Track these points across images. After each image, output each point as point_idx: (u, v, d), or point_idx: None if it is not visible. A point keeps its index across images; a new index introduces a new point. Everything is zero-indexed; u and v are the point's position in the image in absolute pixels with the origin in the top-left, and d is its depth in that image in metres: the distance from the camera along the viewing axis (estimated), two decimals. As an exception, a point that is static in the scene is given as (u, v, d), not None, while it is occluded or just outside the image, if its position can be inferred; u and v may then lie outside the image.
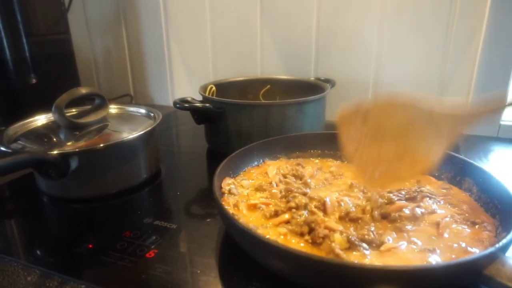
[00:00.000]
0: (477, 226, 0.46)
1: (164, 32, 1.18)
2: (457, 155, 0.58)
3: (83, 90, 0.64)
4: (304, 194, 0.53)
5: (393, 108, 0.46)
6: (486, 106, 0.41)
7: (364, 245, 0.42)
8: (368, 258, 0.41)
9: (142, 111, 0.74)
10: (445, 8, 0.87)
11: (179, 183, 0.70)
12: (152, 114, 0.72)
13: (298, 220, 0.47)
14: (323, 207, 0.50)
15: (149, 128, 0.64)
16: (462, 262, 0.36)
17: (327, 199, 0.51)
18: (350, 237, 0.42)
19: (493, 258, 0.36)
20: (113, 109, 0.75)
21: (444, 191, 0.55)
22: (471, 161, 0.56)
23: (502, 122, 0.90)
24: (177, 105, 0.72)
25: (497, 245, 0.37)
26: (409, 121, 0.45)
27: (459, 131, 0.43)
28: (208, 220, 0.57)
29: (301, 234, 0.45)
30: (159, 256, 0.47)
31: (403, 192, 0.53)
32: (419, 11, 0.90)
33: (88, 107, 0.70)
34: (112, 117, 0.72)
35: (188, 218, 0.58)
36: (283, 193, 0.54)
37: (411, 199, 0.52)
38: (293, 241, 0.44)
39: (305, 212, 0.49)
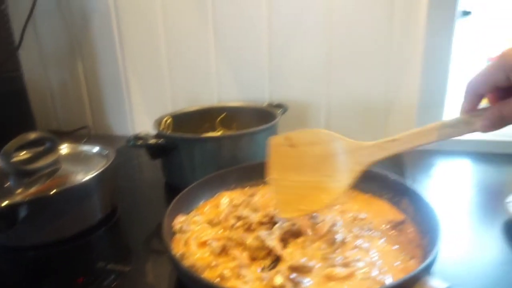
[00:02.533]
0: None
1: (121, 63, 1.19)
2: (394, 177, 0.63)
3: (32, 136, 0.64)
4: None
5: (316, 139, 0.53)
6: (391, 148, 0.48)
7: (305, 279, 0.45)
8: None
9: (95, 149, 0.75)
10: (386, 34, 0.94)
11: (136, 220, 0.71)
12: (106, 152, 0.73)
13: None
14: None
15: (101, 170, 0.65)
16: (388, 286, 0.39)
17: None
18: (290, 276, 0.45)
19: (415, 279, 0.40)
20: (64, 149, 0.75)
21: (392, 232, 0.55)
22: (405, 183, 0.61)
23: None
24: (131, 143, 0.73)
25: (419, 268, 0.41)
26: (327, 154, 0.52)
27: (362, 168, 0.50)
28: (162, 261, 0.57)
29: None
30: (112, 302, 0.48)
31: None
32: (363, 37, 0.96)
33: (40, 148, 0.69)
34: (64, 158, 0.72)
35: (143, 258, 0.59)
36: (236, 224, 0.57)
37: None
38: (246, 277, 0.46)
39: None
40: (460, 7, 0.86)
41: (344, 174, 0.51)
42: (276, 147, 0.56)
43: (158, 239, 0.62)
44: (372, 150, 0.49)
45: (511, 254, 0.56)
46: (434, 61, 0.91)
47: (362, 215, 0.58)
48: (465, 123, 0.43)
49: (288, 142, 0.55)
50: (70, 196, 0.61)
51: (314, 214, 0.56)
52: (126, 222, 0.70)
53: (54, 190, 0.59)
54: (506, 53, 0.38)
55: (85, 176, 0.63)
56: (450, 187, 0.80)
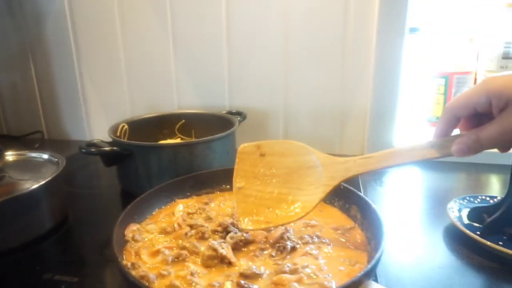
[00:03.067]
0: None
1: (77, 68, 1.16)
2: (345, 185, 0.65)
3: (-26, 142, 0.61)
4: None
5: (288, 149, 0.52)
6: (365, 165, 0.48)
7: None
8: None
9: (45, 156, 0.72)
10: (340, 48, 0.97)
11: (89, 229, 0.69)
12: (55, 160, 0.70)
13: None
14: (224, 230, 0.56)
15: (50, 178, 0.63)
16: (330, 292, 0.41)
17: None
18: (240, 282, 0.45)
19: (357, 284, 0.42)
20: (11, 156, 0.72)
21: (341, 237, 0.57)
22: (355, 190, 0.63)
23: (395, 145, 1.02)
24: (83, 151, 0.71)
25: (361, 272, 0.43)
26: (298, 165, 0.51)
27: (336, 183, 0.49)
28: (114, 271, 0.56)
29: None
30: (56, 315, 0.47)
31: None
32: (318, 48, 0.99)
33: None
34: (12, 166, 0.69)
35: (93, 268, 0.58)
36: (189, 233, 0.57)
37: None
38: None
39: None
40: (409, 24, 0.92)
41: (316, 188, 0.50)
42: (246, 154, 0.54)
43: (107, 255, 0.61)
44: (347, 166, 0.49)
45: (451, 257, 0.59)
46: (385, 73, 0.95)
47: (313, 222, 0.60)
48: (440, 146, 0.44)
49: (259, 150, 0.54)
50: (16, 206, 0.59)
51: None
52: (78, 231, 0.68)
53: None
54: (487, 79, 0.41)
55: (33, 184, 0.61)
56: (399, 194, 0.84)
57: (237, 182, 0.55)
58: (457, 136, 0.44)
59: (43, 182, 0.61)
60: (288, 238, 0.54)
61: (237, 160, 0.55)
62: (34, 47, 1.17)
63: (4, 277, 0.55)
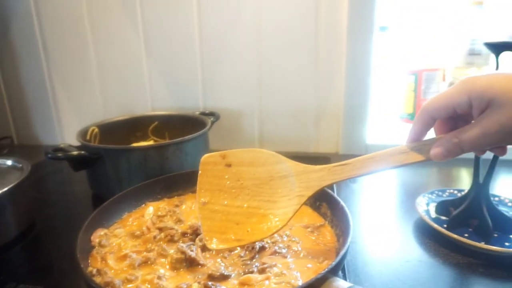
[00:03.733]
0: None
1: (46, 70, 1.13)
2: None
3: None
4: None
5: (258, 161, 0.48)
6: (341, 173, 0.46)
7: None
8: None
9: (9, 163, 0.70)
10: (312, 47, 0.98)
11: (56, 236, 0.67)
12: (20, 165, 0.68)
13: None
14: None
15: (13, 184, 0.61)
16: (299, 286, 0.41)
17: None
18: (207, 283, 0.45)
19: (322, 280, 0.42)
20: (-25, 163, 0.70)
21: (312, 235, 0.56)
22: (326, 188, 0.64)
23: (368, 142, 1.03)
24: (49, 156, 0.69)
25: (325, 269, 0.43)
26: (269, 175, 0.48)
27: (310, 193, 0.46)
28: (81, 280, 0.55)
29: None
30: (18, 325, 0.45)
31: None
32: (292, 48, 0.99)
33: None
34: (-26, 173, 0.67)
35: (59, 276, 0.56)
36: (158, 236, 0.56)
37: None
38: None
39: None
40: (378, 23, 0.93)
41: (290, 200, 0.46)
42: (210, 165, 0.49)
43: (73, 263, 0.59)
44: (322, 174, 0.46)
45: (419, 250, 0.61)
46: (356, 71, 0.97)
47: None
48: (418, 150, 0.42)
49: (225, 160, 0.49)
50: (-23, 214, 0.57)
51: None
52: (45, 238, 0.66)
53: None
54: (468, 80, 0.39)
55: (-6, 191, 0.59)
56: (371, 189, 0.85)
57: (201, 196, 0.49)
58: (434, 139, 0.42)
59: (5, 189, 0.59)
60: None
61: (200, 172, 0.50)
62: (0, 50, 1.14)
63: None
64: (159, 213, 0.63)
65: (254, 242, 0.50)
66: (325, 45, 0.97)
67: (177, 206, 0.66)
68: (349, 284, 0.41)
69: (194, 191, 0.70)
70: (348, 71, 0.97)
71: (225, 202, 0.49)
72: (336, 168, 0.46)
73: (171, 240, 0.56)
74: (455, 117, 0.41)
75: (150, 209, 0.64)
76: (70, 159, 0.71)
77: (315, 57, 0.99)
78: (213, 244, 0.48)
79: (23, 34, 1.10)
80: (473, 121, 0.39)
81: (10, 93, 1.18)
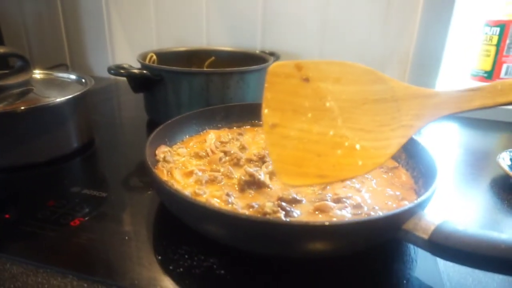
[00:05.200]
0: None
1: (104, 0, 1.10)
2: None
3: (1, 49, 0.58)
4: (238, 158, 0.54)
5: (349, 77, 0.38)
6: (469, 101, 0.35)
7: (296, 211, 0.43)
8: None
9: (73, 77, 0.69)
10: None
11: (115, 154, 0.67)
12: (83, 80, 0.67)
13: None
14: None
15: (78, 93, 0.60)
16: (382, 217, 0.37)
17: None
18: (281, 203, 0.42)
19: (411, 213, 0.38)
20: (39, 74, 0.69)
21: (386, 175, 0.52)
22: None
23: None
24: (112, 71, 0.68)
25: (415, 202, 0.39)
26: (363, 97, 0.37)
27: (422, 124, 0.36)
28: (143, 191, 0.54)
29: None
30: (86, 224, 0.45)
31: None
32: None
33: (7, 71, 0.63)
34: (39, 83, 0.66)
35: (120, 188, 0.55)
36: (223, 159, 0.54)
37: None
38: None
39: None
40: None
41: (392, 131, 0.36)
42: (280, 77, 0.37)
43: (137, 176, 0.59)
44: (438, 101, 0.36)
45: (498, 203, 0.55)
46: (434, 16, 0.87)
47: None
48: None
49: (301, 73, 0.37)
50: (42, 117, 0.56)
51: None
52: (104, 155, 0.66)
53: (23, 107, 0.54)
54: None
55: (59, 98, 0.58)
56: (438, 147, 0.79)
57: (269, 116, 0.37)
58: None
59: (70, 96, 0.58)
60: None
61: (266, 85, 0.37)
62: (60, -25, 1.12)
63: (32, 188, 0.53)
64: (222, 139, 0.60)
65: (343, 181, 0.41)
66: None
67: (240, 134, 0.63)
68: (442, 219, 0.37)
69: (254, 125, 0.68)
70: (424, 14, 0.88)
71: (302, 127, 0.37)
72: (462, 94, 0.35)
73: (237, 164, 0.53)
74: None
75: (211, 135, 0.62)
76: (132, 76, 0.69)
77: (387, 3, 0.90)
78: (287, 179, 0.37)
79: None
80: None
81: (67, 21, 1.18)
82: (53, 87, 0.66)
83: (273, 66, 0.39)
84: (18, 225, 0.44)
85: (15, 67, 0.62)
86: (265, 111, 0.38)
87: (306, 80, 0.38)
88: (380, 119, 0.37)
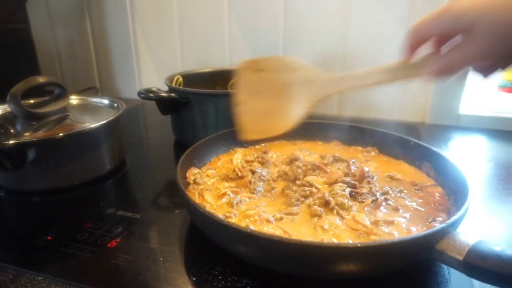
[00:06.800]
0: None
1: (130, 24, 1.15)
2: (416, 141, 0.61)
3: (41, 79, 0.61)
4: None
5: (280, 66, 0.53)
6: (349, 82, 0.48)
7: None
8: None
9: (106, 101, 0.72)
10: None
11: (145, 175, 0.69)
12: (115, 105, 0.70)
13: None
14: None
15: (112, 118, 0.62)
16: (415, 237, 0.37)
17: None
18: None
19: (444, 233, 0.38)
20: (74, 100, 0.73)
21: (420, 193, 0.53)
22: (429, 146, 0.58)
23: (461, 112, 0.94)
24: (142, 95, 0.70)
25: (447, 222, 0.39)
26: (288, 81, 0.52)
27: (317, 98, 0.50)
28: (173, 211, 0.56)
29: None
30: (121, 245, 0.46)
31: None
32: (382, 4, 0.92)
33: (47, 98, 0.67)
34: (74, 108, 0.70)
35: (152, 209, 0.57)
36: (252, 181, 0.55)
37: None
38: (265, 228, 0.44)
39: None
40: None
41: (302, 103, 0.51)
42: (244, 70, 0.55)
43: (166, 196, 0.61)
44: (331, 82, 0.50)
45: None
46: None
47: (398, 176, 0.57)
48: (414, 67, 0.43)
49: (256, 66, 0.54)
50: (79, 142, 0.59)
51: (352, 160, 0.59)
52: (135, 176, 0.68)
53: (62, 134, 0.57)
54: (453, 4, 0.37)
55: (94, 124, 0.61)
56: (467, 161, 0.78)
57: (239, 96, 0.55)
58: (431, 55, 0.42)
59: (105, 121, 0.61)
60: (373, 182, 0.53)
61: (237, 76, 0.55)
62: (90, 3, 1.18)
63: (69, 210, 0.56)
64: (248, 158, 0.62)
65: (275, 135, 0.55)
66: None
67: (265, 152, 0.64)
68: (477, 239, 0.37)
69: (278, 140, 0.70)
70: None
71: (256, 102, 0.54)
72: (345, 77, 0.48)
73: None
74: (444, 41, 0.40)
75: (238, 154, 0.63)
76: (160, 100, 0.72)
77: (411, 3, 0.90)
78: (246, 135, 0.54)
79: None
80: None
81: (97, 45, 1.23)
82: (87, 112, 0.69)
83: (240, 63, 0.55)
84: (59, 247, 0.46)
85: (53, 94, 0.66)
86: (236, 93, 0.54)
87: (260, 70, 0.54)
88: (296, 95, 0.51)
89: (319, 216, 0.46)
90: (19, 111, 0.59)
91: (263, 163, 0.60)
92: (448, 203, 0.49)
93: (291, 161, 0.60)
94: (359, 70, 0.47)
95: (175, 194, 0.60)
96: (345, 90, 0.48)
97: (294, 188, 0.52)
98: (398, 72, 0.44)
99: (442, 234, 0.37)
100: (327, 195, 0.49)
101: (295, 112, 0.51)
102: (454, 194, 0.50)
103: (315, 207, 0.47)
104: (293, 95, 0.51)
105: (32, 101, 0.66)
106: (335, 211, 0.46)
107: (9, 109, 0.66)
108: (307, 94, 0.51)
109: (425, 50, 0.43)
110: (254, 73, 0.54)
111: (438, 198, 0.51)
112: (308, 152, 0.64)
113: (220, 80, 0.97)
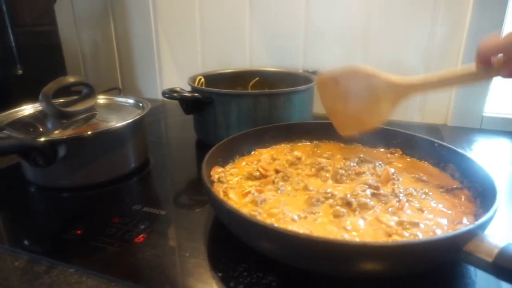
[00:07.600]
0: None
1: (153, 25, 1.18)
2: (441, 142, 0.60)
3: (71, 79, 0.63)
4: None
5: (356, 75, 0.59)
6: (425, 84, 0.53)
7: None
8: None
9: (131, 101, 0.74)
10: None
11: (168, 173, 0.70)
12: (140, 104, 0.72)
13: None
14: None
15: (138, 117, 0.64)
16: (443, 238, 0.37)
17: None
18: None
19: (472, 235, 0.37)
20: (101, 99, 0.75)
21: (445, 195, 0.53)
22: (455, 148, 0.58)
23: (484, 114, 0.93)
24: (166, 95, 0.72)
25: (476, 223, 0.38)
26: (367, 87, 0.58)
27: (401, 98, 0.56)
28: (197, 209, 0.57)
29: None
30: (148, 240, 0.48)
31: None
32: (404, 4, 0.91)
33: (75, 97, 0.69)
34: (100, 107, 0.72)
35: (176, 206, 0.58)
36: (276, 180, 0.55)
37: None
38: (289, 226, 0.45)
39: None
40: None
41: (388, 102, 0.57)
42: (323, 81, 0.64)
43: (188, 195, 0.62)
44: (411, 85, 0.55)
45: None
46: (484, 27, 0.86)
47: (424, 178, 0.56)
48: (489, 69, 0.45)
49: (332, 76, 0.62)
50: (106, 140, 0.61)
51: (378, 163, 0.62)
52: (158, 175, 0.70)
53: (90, 132, 0.58)
54: None
55: (120, 123, 0.63)
56: (489, 162, 0.76)
57: (326, 104, 0.65)
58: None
59: (130, 121, 0.63)
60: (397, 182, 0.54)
61: (318, 89, 0.65)
62: (114, 5, 1.21)
63: (97, 206, 0.57)
64: (274, 156, 0.63)
65: (367, 131, 0.62)
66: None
67: (292, 151, 0.65)
68: (506, 242, 0.36)
69: (300, 142, 0.70)
70: (471, 28, 0.86)
71: (342, 106, 0.62)
72: (425, 79, 0.53)
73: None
74: None
75: (266, 155, 0.64)
76: (184, 99, 0.73)
77: (434, 9, 0.89)
78: (343, 132, 0.65)
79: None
80: None
81: (120, 47, 1.26)
82: (113, 111, 0.71)
83: (318, 76, 0.66)
84: (89, 241, 0.47)
85: (81, 94, 0.68)
86: (322, 101, 0.65)
87: (336, 81, 0.61)
88: (376, 98, 0.58)
89: (342, 216, 0.46)
90: (51, 109, 0.61)
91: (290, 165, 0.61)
92: (474, 206, 0.49)
93: (317, 171, 0.59)
94: (436, 73, 0.52)
95: (197, 193, 0.61)
96: (423, 92, 0.57)
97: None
98: (472, 75, 0.47)
99: (470, 235, 0.37)
100: (348, 195, 0.49)
101: (383, 110, 0.58)
102: (480, 196, 0.49)
103: (338, 207, 0.47)
104: (379, 96, 0.58)
105: (61, 100, 0.68)
106: (357, 211, 0.47)
107: (37, 108, 0.69)
108: (392, 95, 0.57)
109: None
110: (332, 81, 0.62)
111: (464, 201, 0.50)
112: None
113: (241, 81, 0.98)
